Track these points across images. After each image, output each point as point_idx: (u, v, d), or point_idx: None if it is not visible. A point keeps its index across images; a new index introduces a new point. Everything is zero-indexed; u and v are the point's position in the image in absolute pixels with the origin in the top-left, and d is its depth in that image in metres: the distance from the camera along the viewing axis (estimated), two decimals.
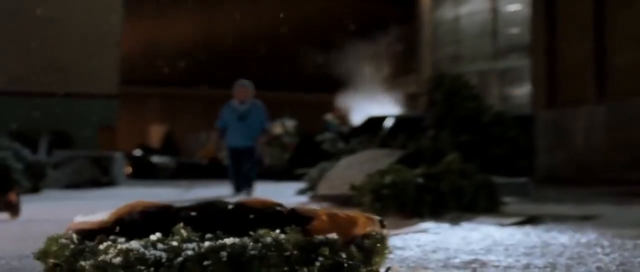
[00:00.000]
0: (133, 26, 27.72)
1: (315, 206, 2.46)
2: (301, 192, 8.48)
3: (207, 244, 1.73)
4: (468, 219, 4.69)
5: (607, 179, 10.15)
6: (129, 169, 19.05)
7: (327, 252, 1.74)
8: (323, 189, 7.15)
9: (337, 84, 26.15)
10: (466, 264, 2.76)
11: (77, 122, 21.82)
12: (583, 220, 4.74)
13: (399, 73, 28.32)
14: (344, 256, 1.76)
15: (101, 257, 1.71)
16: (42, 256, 1.84)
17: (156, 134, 32.20)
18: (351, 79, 26.30)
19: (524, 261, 2.83)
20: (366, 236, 1.87)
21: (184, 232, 1.80)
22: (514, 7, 22.91)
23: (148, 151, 26.65)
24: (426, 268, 2.65)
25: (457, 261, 2.84)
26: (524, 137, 10.22)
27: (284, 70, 31.14)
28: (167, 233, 1.80)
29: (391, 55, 28.10)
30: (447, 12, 25.59)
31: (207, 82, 30.69)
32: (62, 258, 1.80)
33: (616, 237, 3.64)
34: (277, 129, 20.48)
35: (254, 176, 9.69)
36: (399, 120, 15.48)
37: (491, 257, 2.93)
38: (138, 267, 1.67)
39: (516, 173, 8.35)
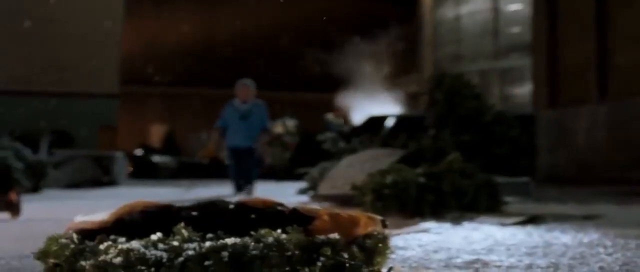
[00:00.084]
0: (133, 26, 27.74)
1: (316, 206, 2.45)
2: (302, 191, 8.46)
3: (208, 244, 1.72)
4: (469, 219, 4.68)
5: (608, 179, 10.15)
6: (130, 169, 19.05)
7: (328, 253, 1.73)
8: (324, 188, 7.14)
9: (338, 83, 26.15)
10: (468, 264, 2.74)
11: (78, 122, 21.83)
12: (585, 220, 4.72)
13: (400, 72, 28.32)
14: (345, 256, 1.75)
15: (102, 257, 1.70)
16: (42, 255, 1.83)
17: (157, 133, 32.25)
18: (352, 78, 26.30)
19: (526, 261, 2.81)
20: (368, 235, 1.86)
21: (184, 232, 1.79)
22: (515, 7, 22.92)
23: (149, 150, 26.70)
24: (428, 268, 2.64)
25: (459, 261, 2.83)
26: (525, 137, 10.22)
27: (285, 70, 31.15)
28: (167, 233, 1.79)
29: (392, 55, 28.09)
30: (448, 12, 25.61)
31: (207, 82, 30.72)
32: (63, 258, 1.79)
33: (619, 237, 3.63)
34: (278, 128, 20.47)
35: (254, 175, 9.67)
36: (400, 119, 15.49)
37: (493, 257, 2.92)
38: (139, 267, 1.66)
39: (517, 173, 8.35)
